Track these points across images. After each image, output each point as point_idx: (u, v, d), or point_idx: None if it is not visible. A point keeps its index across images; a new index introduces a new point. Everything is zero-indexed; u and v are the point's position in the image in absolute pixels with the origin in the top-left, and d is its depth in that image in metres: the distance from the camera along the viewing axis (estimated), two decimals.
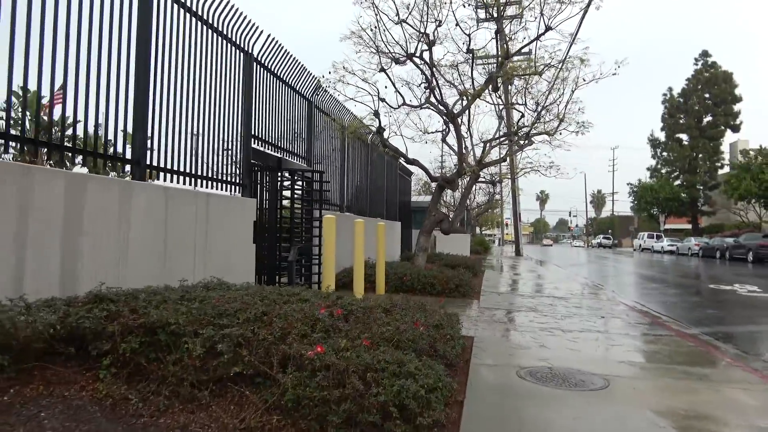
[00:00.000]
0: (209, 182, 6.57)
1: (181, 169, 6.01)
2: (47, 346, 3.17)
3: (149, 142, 5.49)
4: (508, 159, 14.58)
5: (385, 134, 10.91)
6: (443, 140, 13.48)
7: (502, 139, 12.89)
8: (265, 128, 8.17)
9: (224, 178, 6.91)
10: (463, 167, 11.55)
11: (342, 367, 3.09)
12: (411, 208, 23.12)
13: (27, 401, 2.91)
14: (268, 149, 8.33)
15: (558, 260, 30.17)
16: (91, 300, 3.55)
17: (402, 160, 12.15)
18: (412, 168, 16.15)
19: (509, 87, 12.78)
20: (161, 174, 5.75)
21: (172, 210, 5.53)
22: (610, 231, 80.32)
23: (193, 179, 6.35)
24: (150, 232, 5.15)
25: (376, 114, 9.53)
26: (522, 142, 12.35)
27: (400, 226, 19.03)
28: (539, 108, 11.78)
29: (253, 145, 7.69)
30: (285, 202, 8.77)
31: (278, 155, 8.54)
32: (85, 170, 4.79)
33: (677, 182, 55.90)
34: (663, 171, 57.74)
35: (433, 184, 14.33)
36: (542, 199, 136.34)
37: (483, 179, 14.08)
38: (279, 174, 8.55)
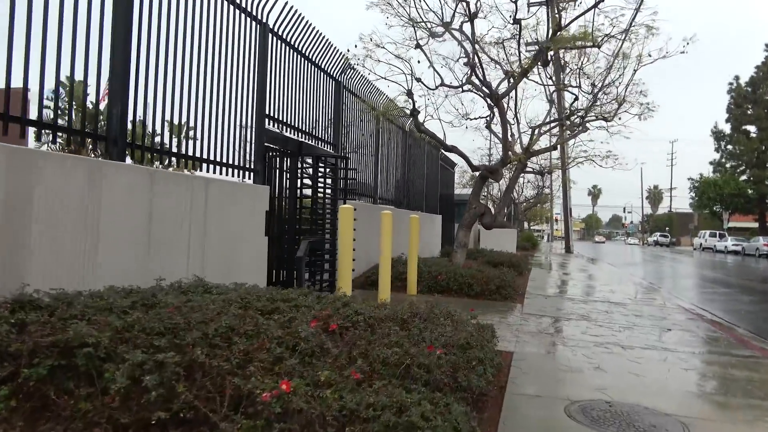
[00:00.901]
0: (212, 166, 5.79)
1: (177, 151, 5.24)
2: None
3: (135, 117, 4.74)
4: (558, 147, 13.33)
5: (422, 118, 9.92)
6: (487, 127, 12.38)
7: (552, 124, 11.66)
8: (283, 109, 7.34)
9: (230, 162, 6.12)
10: (508, 155, 10.44)
11: (313, 414, 2.19)
12: (454, 201, 22.01)
13: None
14: (288, 132, 7.51)
15: (611, 258, 28.38)
16: (10, 305, 2.78)
17: (439, 146, 11.12)
18: (452, 157, 15.05)
19: (561, 66, 11.54)
20: (162, 157, 5.00)
21: (159, 196, 4.76)
22: (667, 228, 76.42)
23: (191, 162, 5.58)
24: (128, 221, 4.39)
25: (409, 94, 8.56)
26: (575, 128, 11.11)
27: (440, 220, 17.99)
28: (596, 90, 10.50)
29: (268, 126, 6.88)
30: (307, 191, 7.94)
31: (299, 139, 7.71)
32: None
33: (743, 177, 52.29)
34: (728, 165, 54.18)
35: (475, 174, 13.24)
36: (594, 194, 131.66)
37: (530, 169, 12.88)
38: (300, 159, 7.72)
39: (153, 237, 4.69)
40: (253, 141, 6.61)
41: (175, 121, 5.32)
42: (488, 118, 12.29)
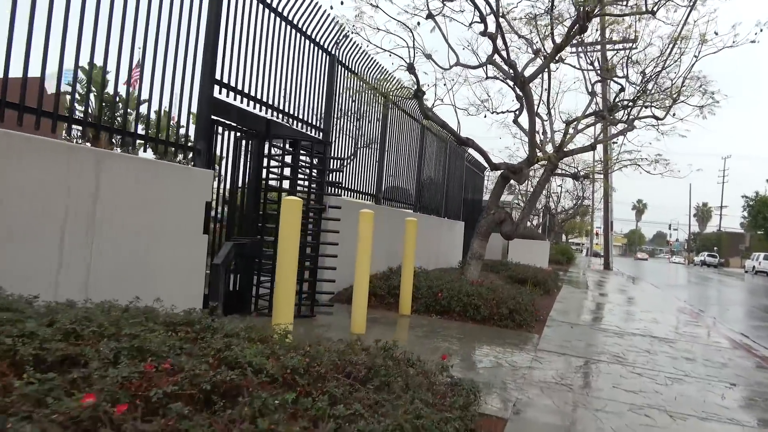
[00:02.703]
0: (123, 140, 4.39)
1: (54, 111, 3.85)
2: None
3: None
4: (598, 148, 11.53)
5: (432, 103, 8.34)
6: (515, 121, 10.70)
7: (591, 119, 9.90)
8: (247, 78, 5.91)
9: (154, 136, 4.71)
10: (535, 153, 8.76)
11: None
12: (482, 208, 20.28)
13: None
14: (253, 107, 6.07)
15: (654, 278, 26.01)
16: None
17: (458, 141, 9.49)
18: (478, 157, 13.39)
19: (604, 45, 9.74)
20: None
21: (10, 174, 3.38)
22: (715, 248, 72.05)
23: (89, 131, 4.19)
24: None
25: (411, 69, 7.00)
26: (619, 123, 9.33)
27: (462, 228, 16.33)
28: (645, 79, 8.72)
29: (218, 96, 5.46)
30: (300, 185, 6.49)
31: (266, 116, 6.26)
32: None
33: None
34: None
35: (495, 175, 11.56)
36: (639, 209, 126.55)
37: (563, 171, 11.13)
38: (269, 142, 6.27)
39: None
40: (196, 112, 5.20)
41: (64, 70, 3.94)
42: (516, 113, 10.63)
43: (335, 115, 7.89)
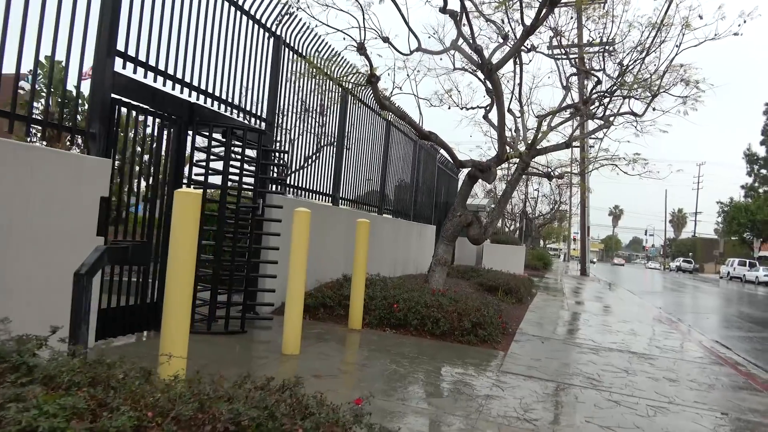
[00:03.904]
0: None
1: None
2: None
3: None
4: (573, 146, 10.84)
5: (396, 95, 7.52)
6: (485, 117, 9.97)
7: (566, 114, 9.19)
8: (164, 54, 5.03)
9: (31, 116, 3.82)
10: (504, 150, 8.01)
11: None
12: None
13: None
14: (171, 88, 5.19)
15: (631, 284, 25.57)
16: None
17: (418, 135, 8.68)
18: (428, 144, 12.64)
19: (581, 42, 9.09)
20: None
21: None
22: (690, 254, 72.55)
23: None
24: None
25: (361, 49, 6.18)
26: (595, 119, 8.64)
27: (434, 232, 15.55)
28: (623, 69, 8.03)
29: (121, 71, 4.57)
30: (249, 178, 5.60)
31: (189, 99, 5.38)
32: None
33: None
34: (761, 190, 50.79)
35: (463, 173, 10.82)
36: (615, 214, 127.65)
37: (535, 170, 10.41)
38: (194, 130, 5.39)
39: None
40: (90, 88, 4.31)
41: None
42: (487, 108, 9.89)
43: (282, 104, 7.03)
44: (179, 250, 3.26)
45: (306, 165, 7.87)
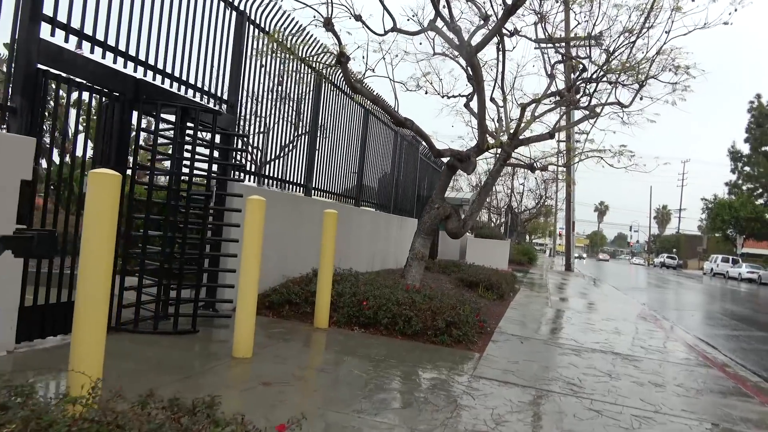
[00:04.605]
0: None
1: None
2: None
3: None
4: (558, 136, 10.46)
5: (370, 77, 7.04)
6: (467, 105, 9.53)
7: (550, 103, 8.78)
8: (102, 19, 4.52)
9: None
10: (485, 140, 7.58)
11: None
12: None
13: None
14: (110, 60, 4.68)
15: (615, 280, 25.39)
16: None
17: (393, 121, 8.20)
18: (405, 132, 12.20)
19: (568, 30, 8.68)
20: None
21: None
22: (674, 250, 72.99)
23: None
24: None
25: (328, 24, 5.69)
26: (581, 108, 8.24)
27: (416, 225, 15.09)
28: (610, 56, 7.64)
29: (48, 38, 4.05)
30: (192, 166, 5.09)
31: (133, 74, 4.87)
32: None
33: (761, 200, 49.18)
34: (744, 187, 51.02)
35: (443, 163, 10.36)
36: (601, 210, 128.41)
37: (517, 161, 10.01)
38: (139, 109, 4.88)
39: None
40: (9, 56, 3.80)
41: None
42: (469, 97, 9.45)
43: (247, 86, 6.53)
44: (93, 238, 2.78)
45: (279, 153, 7.38)
